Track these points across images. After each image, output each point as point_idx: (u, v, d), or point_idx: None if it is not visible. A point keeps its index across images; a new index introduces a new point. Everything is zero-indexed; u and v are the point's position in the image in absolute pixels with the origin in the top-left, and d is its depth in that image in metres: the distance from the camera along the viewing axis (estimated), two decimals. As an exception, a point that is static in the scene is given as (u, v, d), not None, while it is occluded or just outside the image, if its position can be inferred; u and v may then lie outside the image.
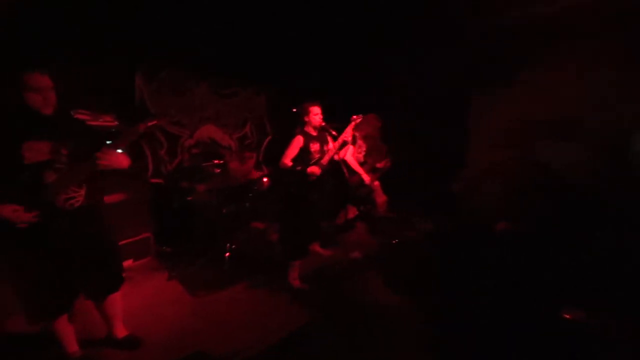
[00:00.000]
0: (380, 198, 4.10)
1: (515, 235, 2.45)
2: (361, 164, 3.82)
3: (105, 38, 3.12)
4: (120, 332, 2.13)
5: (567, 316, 1.78)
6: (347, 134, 2.72)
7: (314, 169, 2.68)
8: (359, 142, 3.92)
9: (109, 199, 2.84)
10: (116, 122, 2.38)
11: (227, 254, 3.24)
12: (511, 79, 4.04)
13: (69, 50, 2.95)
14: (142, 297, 2.69)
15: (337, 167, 2.79)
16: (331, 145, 2.83)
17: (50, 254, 1.65)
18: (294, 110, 2.88)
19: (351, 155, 3.73)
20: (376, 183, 4.00)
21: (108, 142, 1.71)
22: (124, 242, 3.10)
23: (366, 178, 3.71)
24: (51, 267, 1.67)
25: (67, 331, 1.91)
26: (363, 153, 3.89)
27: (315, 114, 2.76)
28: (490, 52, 4.05)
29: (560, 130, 3.85)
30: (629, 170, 3.37)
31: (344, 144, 2.77)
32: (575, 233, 2.38)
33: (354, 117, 2.89)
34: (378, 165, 3.94)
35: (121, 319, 2.14)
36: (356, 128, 2.78)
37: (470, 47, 4.02)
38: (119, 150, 1.73)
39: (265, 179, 3.96)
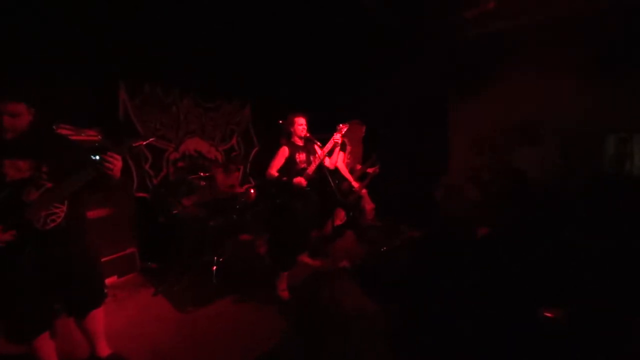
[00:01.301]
0: (368, 205, 4.15)
1: (496, 240, 2.52)
2: (350, 171, 3.88)
3: (89, 52, 3.12)
4: (103, 350, 2.07)
5: (548, 314, 1.84)
6: (335, 140, 2.75)
7: (300, 180, 2.70)
8: (348, 148, 4.00)
9: (92, 214, 2.79)
10: (100, 137, 2.37)
11: (214, 267, 3.21)
12: (487, 88, 4.22)
13: (52, 64, 2.94)
14: (126, 315, 2.63)
15: (323, 176, 2.82)
16: (318, 153, 2.86)
17: (29, 272, 1.62)
18: (280, 122, 2.92)
19: (342, 162, 3.79)
20: (364, 190, 4.05)
21: (94, 156, 1.69)
22: (108, 258, 3.03)
23: (355, 185, 3.75)
24: (30, 285, 1.65)
25: (48, 350, 1.84)
26: (352, 159, 3.96)
27: (300, 125, 2.80)
28: (466, 63, 4.23)
29: (532, 136, 4.03)
30: (598, 172, 3.54)
31: (333, 149, 2.82)
32: (548, 234, 2.47)
33: (341, 125, 2.95)
34: (368, 170, 4.01)
35: (104, 336, 2.07)
36: (344, 135, 2.83)
37: (448, 58, 4.19)
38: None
39: (252, 191, 3.96)
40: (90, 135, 2.56)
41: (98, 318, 2.01)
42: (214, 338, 2.35)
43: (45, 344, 1.82)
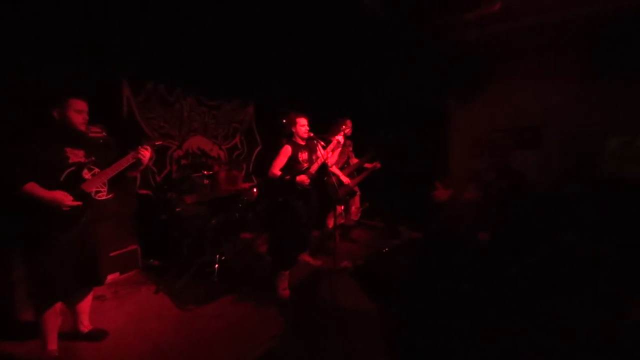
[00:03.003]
0: (355, 205, 4.11)
1: (495, 242, 2.52)
2: (345, 164, 3.83)
3: (93, 50, 3.13)
4: (86, 326, 2.26)
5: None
6: (338, 141, 2.77)
7: (303, 179, 2.70)
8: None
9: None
10: (104, 133, 2.38)
11: (216, 265, 3.21)
12: (487, 90, 4.22)
13: (56, 62, 2.95)
14: (127, 312, 2.64)
15: (326, 175, 2.83)
16: (320, 153, 2.86)
17: (74, 236, 1.94)
18: (283, 121, 2.92)
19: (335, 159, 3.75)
20: (356, 189, 3.99)
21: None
22: (110, 254, 3.04)
23: (346, 180, 3.68)
24: (71, 249, 1.94)
25: (54, 325, 2.02)
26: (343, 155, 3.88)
27: (302, 125, 2.81)
28: (466, 65, 4.22)
29: (532, 138, 4.02)
30: (598, 174, 3.53)
31: (337, 144, 2.83)
32: (548, 237, 2.47)
33: (342, 126, 2.95)
34: (367, 165, 3.93)
35: (88, 314, 2.27)
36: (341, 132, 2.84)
37: (448, 60, 4.18)
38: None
39: (254, 190, 3.97)
40: (95, 131, 2.57)
41: (89, 296, 2.25)
42: (215, 336, 2.35)
43: (53, 319, 2.01)
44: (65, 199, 1.86)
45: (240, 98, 4.93)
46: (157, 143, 2.33)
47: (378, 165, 3.85)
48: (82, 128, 2.03)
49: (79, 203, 1.91)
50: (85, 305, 2.25)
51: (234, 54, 3.97)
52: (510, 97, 4.18)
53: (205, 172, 3.49)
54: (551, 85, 3.86)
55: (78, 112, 1.99)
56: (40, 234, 1.88)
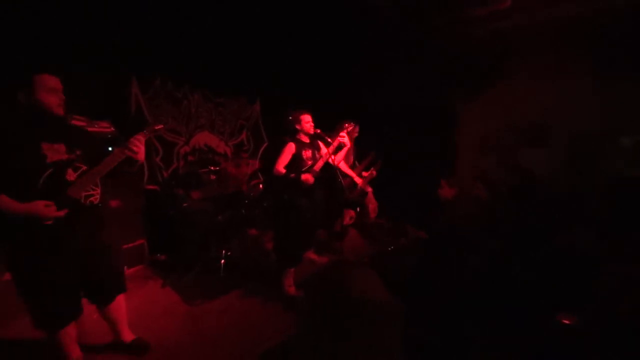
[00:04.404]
0: (372, 203, 4.10)
1: (504, 241, 2.49)
2: (352, 167, 3.83)
3: (101, 46, 3.14)
4: (128, 336, 2.09)
5: (565, 321, 1.80)
6: (342, 138, 2.73)
7: (308, 177, 2.69)
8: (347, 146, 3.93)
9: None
10: (112, 129, 2.39)
11: (222, 261, 3.22)
12: (494, 88, 4.16)
13: (64, 57, 2.97)
14: (134, 307, 2.63)
15: (331, 173, 2.80)
16: (324, 151, 2.85)
17: (68, 254, 1.62)
18: (290, 117, 2.91)
19: (342, 161, 3.74)
20: (369, 188, 4.00)
21: (109, 147, 1.76)
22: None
23: (359, 181, 3.69)
24: (68, 269, 1.64)
25: (71, 339, 1.82)
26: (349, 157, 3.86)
27: (307, 122, 2.79)
28: (473, 62, 4.17)
29: (540, 137, 3.96)
30: (607, 173, 3.46)
31: (340, 147, 2.77)
32: (555, 236, 2.43)
33: (347, 124, 2.93)
34: (364, 174, 3.91)
35: (127, 322, 2.09)
36: (348, 134, 2.81)
37: (455, 57, 4.13)
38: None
39: (260, 186, 3.97)
40: (103, 127, 2.59)
41: (122, 303, 2.01)
42: (221, 332, 2.36)
43: (69, 333, 1.80)
44: (45, 211, 1.46)
45: (247, 95, 4.93)
46: (156, 127, 1.85)
47: (374, 173, 3.79)
48: (59, 112, 1.59)
49: (63, 213, 1.53)
50: (120, 311, 2.01)
51: (240, 50, 3.97)
52: (518, 95, 4.11)
53: (212, 168, 3.49)
54: (559, 83, 3.79)
55: (51, 91, 1.56)
56: (26, 260, 1.53)
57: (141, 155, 1.72)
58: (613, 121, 3.59)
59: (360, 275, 2.15)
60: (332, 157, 2.70)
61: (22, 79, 1.53)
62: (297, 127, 2.81)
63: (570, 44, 3.61)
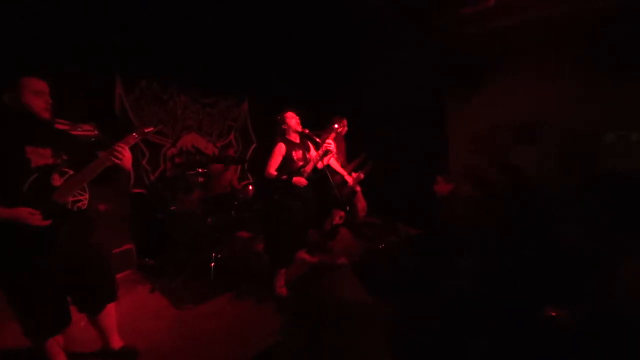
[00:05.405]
0: (361, 203, 4.12)
1: (495, 238, 2.53)
2: (341, 166, 3.83)
3: (85, 46, 3.07)
4: (116, 343, 2.05)
5: (552, 314, 1.83)
6: (329, 145, 2.67)
7: (300, 179, 2.68)
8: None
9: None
10: (96, 132, 2.33)
11: (212, 264, 3.19)
12: (486, 86, 4.22)
13: (46, 58, 2.90)
14: (123, 312, 2.58)
15: (321, 173, 2.80)
16: (313, 153, 2.84)
17: (55, 262, 1.59)
18: (277, 117, 2.89)
19: (333, 158, 3.74)
20: (357, 188, 4.01)
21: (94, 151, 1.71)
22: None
23: (349, 179, 3.70)
24: (55, 276, 1.61)
25: (57, 347, 1.79)
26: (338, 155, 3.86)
27: (291, 118, 2.79)
28: (464, 61, 4.22)
29: (531, 134, 4.04)
30: (598, 170, 3.55)
31: (326, 153, 2.73)
32: (546, 233, 2.48)
33: (336, 125, 2.92)
34: (361, 173, 3.93)
35: (116, 330, 2.06)
36: (337, 134, 2.80)
37: (446, 56, 4.18)
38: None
39: (250, 188, 3.94)
40: (87, 130, 2.53)
41: (112, 312, 1.99)
42: (212, 335, 2.34)
43: (56, 341, 1.76)
44: (30, 217, 1.44)
45: (235, 95, 4.88)
46: (146, 130, 1.80)
47: (362, 176, 3.80)
48: (46, 115, 1.58)
49: (47, 223, 1.49)
50: (110, 320, 1.98)
51: (228, 51, 3.94)
52: (510, 93, 4.17)
53: (200, 170, 3.45)
54: (551, 82, 3.85)
55: (37, 94, 1.55)
56: (12, 266, 1.50)
57: (127, 161, 1.68)
58: (604, 119, 3.66)
59: (339, 279, 2.17)
60: (320, 162, 2.69)
61: (6, 81, 1.51)
62: (284, 126, 2.80)
63: (561, 43, 3.68)
